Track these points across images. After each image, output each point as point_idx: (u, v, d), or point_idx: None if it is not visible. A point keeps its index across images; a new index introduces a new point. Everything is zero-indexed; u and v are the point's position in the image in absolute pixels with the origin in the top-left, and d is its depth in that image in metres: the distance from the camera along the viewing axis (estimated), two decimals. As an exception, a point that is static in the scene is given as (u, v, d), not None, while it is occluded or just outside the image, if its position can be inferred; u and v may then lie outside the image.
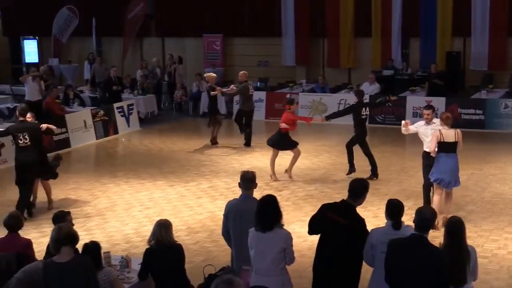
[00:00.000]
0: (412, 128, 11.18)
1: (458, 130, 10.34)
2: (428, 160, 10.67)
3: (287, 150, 13.63)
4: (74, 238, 6.03)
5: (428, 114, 10.93)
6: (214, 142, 16.91)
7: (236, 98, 19.22)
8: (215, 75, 17.39)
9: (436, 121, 10.82)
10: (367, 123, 13.84)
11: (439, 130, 10.22)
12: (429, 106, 11.33)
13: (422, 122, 11.10)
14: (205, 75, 17.92)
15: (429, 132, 10.70)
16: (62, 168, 11.78)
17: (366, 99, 16.09)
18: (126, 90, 20.67)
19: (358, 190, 6.62)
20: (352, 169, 13.52)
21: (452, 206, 10.73)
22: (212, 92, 16.59)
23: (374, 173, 13.37)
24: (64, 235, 5.95)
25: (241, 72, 16.99)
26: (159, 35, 25.65)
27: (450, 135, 10.19)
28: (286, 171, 13.69)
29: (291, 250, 6.45)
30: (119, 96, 19.86)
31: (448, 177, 10.26)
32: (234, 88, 17.05)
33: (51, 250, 6.14)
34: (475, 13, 21.33)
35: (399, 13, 22.11)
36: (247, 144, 16.71)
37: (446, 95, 19.07)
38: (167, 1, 24.94)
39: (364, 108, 13.54)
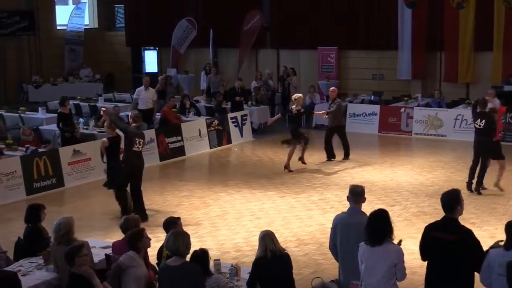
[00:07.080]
0: None
1: None
2: None
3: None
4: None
5: None
6: (302, 162, 15.90)
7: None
8: (301, 95, 16.34)
9: None
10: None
11: None
12: None
13: None
14: (293, 96, 16.73)
15: None
16: (176, 176, 12.09)
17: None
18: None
19: (451, 202, 6.46)
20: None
21: None
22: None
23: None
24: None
25: (332, 88, 16.88)
26: (274, 47, 25.89)
27: None
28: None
29: (402, 266, 6.35)
30: (242, 106, 20.39)
31: None
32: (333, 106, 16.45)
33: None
34: None
35: (524, 26, 21.27)
36: (346, 156, 16.54)
37: None
38: (283, 14, 25.13)
39: (479, 119, 13.12)
